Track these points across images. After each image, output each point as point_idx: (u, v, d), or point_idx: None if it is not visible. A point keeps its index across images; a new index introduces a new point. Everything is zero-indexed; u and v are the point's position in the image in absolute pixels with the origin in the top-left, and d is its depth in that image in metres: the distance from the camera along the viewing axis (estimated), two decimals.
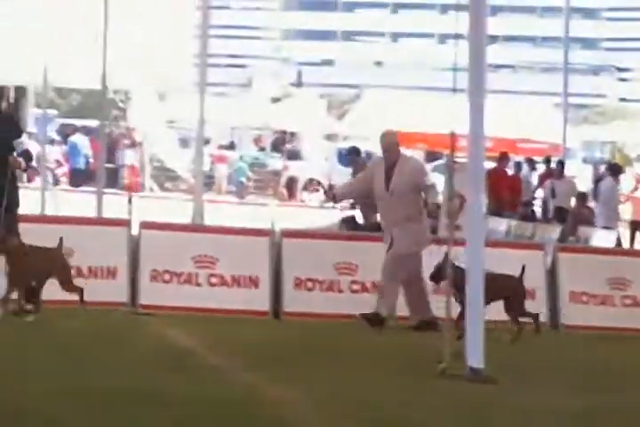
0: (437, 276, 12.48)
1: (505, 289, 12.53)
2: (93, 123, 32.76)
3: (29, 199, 14.92)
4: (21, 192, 12.31)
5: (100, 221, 15.24)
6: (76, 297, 12.17)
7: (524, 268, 12.76)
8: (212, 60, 39.19)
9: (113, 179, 32.25)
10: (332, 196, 14.48)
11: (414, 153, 29.37)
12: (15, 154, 11.58)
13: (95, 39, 17.17)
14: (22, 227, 12.32)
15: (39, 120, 30.22)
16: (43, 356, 10.11)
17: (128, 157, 37.03)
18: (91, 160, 35.53)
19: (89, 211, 17.65)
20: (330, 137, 48.98)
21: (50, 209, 20.17)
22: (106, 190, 17.88)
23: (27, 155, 12.21)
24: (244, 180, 43.10)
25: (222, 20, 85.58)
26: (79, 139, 36.87)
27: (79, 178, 34.98)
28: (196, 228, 15.08)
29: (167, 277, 13.72)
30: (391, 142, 13.45)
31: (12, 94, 34.78)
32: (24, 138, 11.96)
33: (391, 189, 13.09)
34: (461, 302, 11.02)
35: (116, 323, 12.57)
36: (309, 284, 13.91)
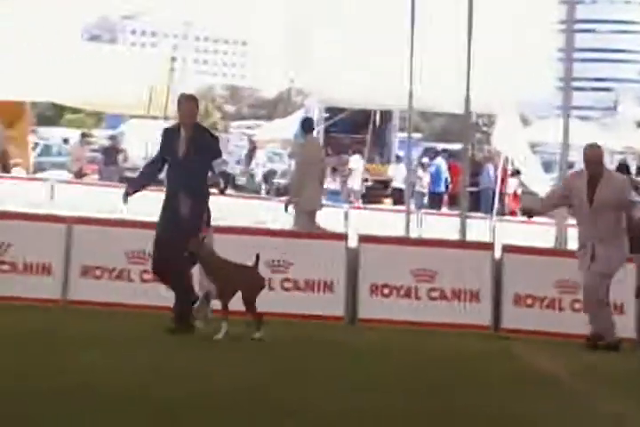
0: None
1: None
2: (456, 146, 32.95)
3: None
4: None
5: (463, 245, 15.16)
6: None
7: None
8: (577, 83, 38.65)
9: (475, 202, 32.25)
10: (528, 211, 13.88)
11: None
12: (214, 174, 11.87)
13: (457, 66, 17.25)
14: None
15: (404, 144, 30.50)
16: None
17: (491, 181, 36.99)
18: (449, 184, 35.66)
19: (451, 234, 17.74)
20: None
21: (414, 232, 20.36)
22: (469, 214, 17.83)
23: (225, 176, 12.62)
24: None
25: (586, 44, 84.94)
26: (440, 162, 37.06)
27: (439, 201, 35.18)
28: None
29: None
30: (598, 155, 12.71)
31: (377, 118, 35.41)
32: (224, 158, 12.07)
33: (595, 204, 12.43)
34: None
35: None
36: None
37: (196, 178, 11.62)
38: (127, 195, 11.94)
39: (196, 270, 11.82)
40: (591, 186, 12.42)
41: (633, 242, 14.96)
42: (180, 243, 11.34)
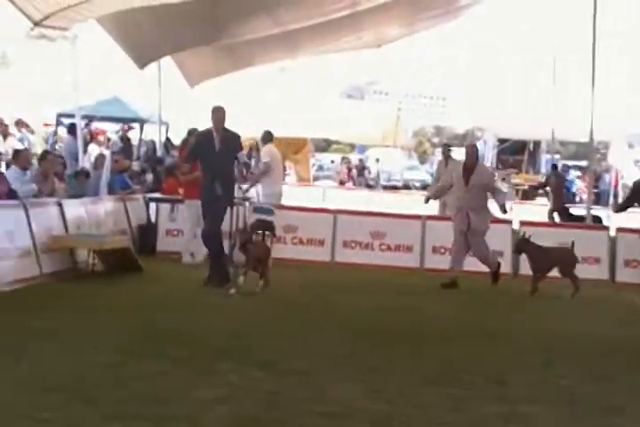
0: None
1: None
2: (584, 163, 31.85)
3: None
4: None
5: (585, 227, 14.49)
6: None
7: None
8: None
9: (597, 199, 30.94)
10: (427, 199, 12.39)
11: None
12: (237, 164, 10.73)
13: (584, 106, 16.39)
14: None
15: (549, 161, 29.80)
16: None
17: None
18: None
19: None
20: None
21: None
22: (592, 206, 16.95)
23: (246, 165, 11.46)
24: None
25: None
26: (573, 174, 35.97)
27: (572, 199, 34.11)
28: None
29: None
30: (474, 152, 11.77)
31: (531, 145, 34.65)
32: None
33: (469, 186, 11.39)
34: (536, 270, 11.06)
35: None
36: None
37: (227, 167, 10.56)
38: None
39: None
40: (467, 173, 11.44)
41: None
42: (218, 215, 10.46)
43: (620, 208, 13.81)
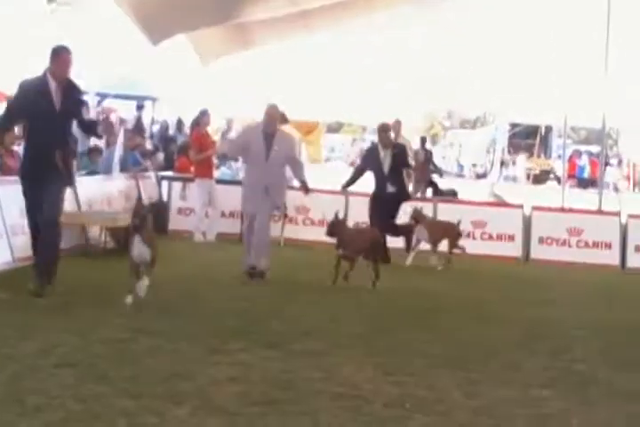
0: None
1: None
2: (595, 148, 31.79)
3: None
4: None
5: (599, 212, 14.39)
6: None
7: None
8: None
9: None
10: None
11: None
12: None
13: (596, 92, 16.26)
14: None
15: (560, 146, 29.68)
16: None
17: None
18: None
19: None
20: None
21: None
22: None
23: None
24: None
25: None
26: (585, 159, 35.90)
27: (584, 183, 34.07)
28: None
29: None
30: (274, 113, 9.91)
31: (542, 130, 34.60)
32: None
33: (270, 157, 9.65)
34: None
35: None
36: None
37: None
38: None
39: None
40: (268, 141, 9.68)
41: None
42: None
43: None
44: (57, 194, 7.96)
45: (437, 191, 17.46)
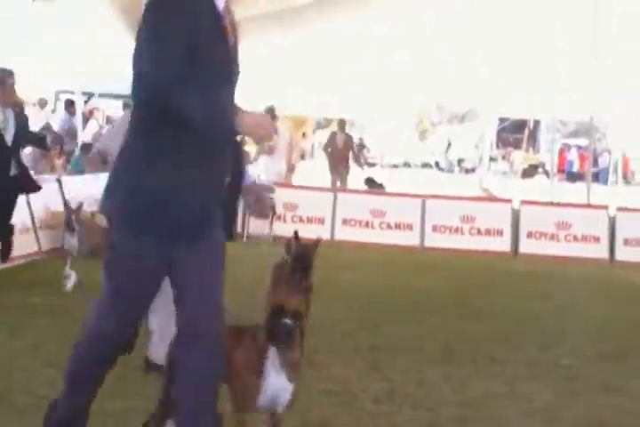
0: None
1: None
2: (584, 142, 31.87)
3: None
4: None
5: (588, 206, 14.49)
6: None
7: None
8: None
9: (595, 177, 30.95)
10: None
11: None
12: None
13: (584, 87, 16.26)
14: None
15: (549, 141, 29.84)
16: None
17: None
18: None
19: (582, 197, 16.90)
20: None
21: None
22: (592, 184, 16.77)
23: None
24: None
25: None
26: (574, 153, 36.05)
27: (572, 177, 34.21)
28: None
29: None
30: None
31: (531, 124, 34.70)
32: None
33: None
34: None
35: None
36: None
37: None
38: None
39: None
40: None
41: None
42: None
43: None
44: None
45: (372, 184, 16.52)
